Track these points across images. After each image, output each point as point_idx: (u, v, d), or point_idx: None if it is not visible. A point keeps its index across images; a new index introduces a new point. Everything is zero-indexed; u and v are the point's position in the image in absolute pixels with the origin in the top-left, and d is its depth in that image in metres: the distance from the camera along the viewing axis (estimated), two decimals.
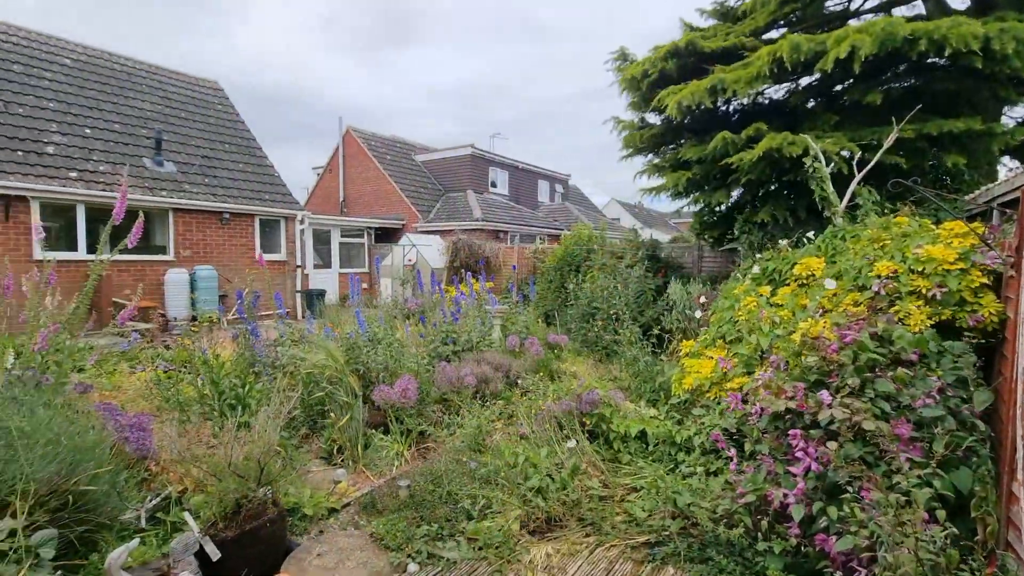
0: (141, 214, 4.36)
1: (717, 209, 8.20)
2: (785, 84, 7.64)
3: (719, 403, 3.79)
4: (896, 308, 3.14)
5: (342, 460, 4.16)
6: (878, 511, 2.03)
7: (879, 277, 3.32)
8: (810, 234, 6.48)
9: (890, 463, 2.28)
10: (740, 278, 5.04)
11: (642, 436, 3.85)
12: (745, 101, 8.29)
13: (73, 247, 9.13)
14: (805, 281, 4.14)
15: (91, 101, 10.95)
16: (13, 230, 8.36)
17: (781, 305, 4.12)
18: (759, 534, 2.48)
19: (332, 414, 4.22)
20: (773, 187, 7.41)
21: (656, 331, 7.32)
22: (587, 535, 2.95)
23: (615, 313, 6.25)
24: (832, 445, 2.34)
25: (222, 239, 11.30)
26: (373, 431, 4.51)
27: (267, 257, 12.23)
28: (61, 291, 9.27)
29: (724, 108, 8.17)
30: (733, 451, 2.88)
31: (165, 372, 5.69)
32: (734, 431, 3.31)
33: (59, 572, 2.34)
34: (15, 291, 4.58)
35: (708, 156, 6.67)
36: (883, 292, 3.25)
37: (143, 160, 10.69)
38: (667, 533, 2.78)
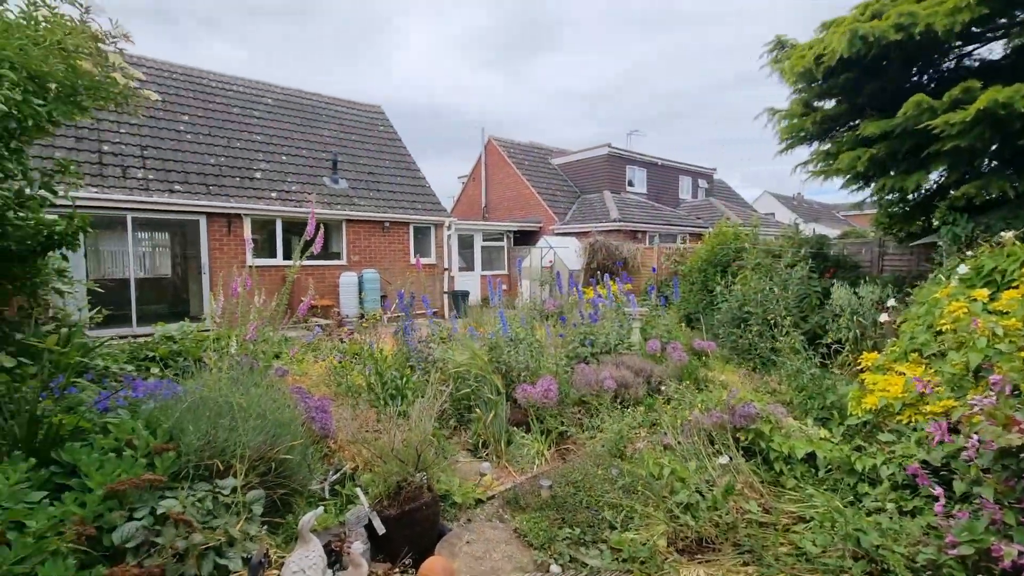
0: (322, 226, 5.05)
1: (910, 197, 6.82)
2: (1000, 36, 6.10)
3: (915, 429, 3.17)
4: None
5: (486, 454, 4.36)
6: None
7: None
8: None
9: None
10: (942, 279, 4.17)
11: (810, 459, 3.39)
12: (945, 66, 6.85)
13: (273, 254, 11.00)
14: None
15: (285, 132, 13.10)
16: (233, 242, 10.35)
17: (1005, 313, 3.31)
18: None
19: (477, 410, 4.44)
20: (991, 162, 5.97)
21: (825, 340, 6.43)
22: (744, 563, 2.68)
23: (772, 318, 5.61)
24: None
25: (383, 245, 12.68)
26: (515, 428, 4.65)
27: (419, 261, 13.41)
28: (265, 291, 11.16)
29: (916, 76, 6.84)
30: (939, 490, 2.37)
31: (339, 362, 6.56)
32: (939, 465, 2.73)
33: (265, 527, 2.81)
34: (236, 292, 5.63)
35: (897, 128, 5.55)
36: None
37: (323, 179, 12.47)
38: (847, 575, 2.39)
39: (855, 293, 5.32)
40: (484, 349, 4.52)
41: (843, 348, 5.08)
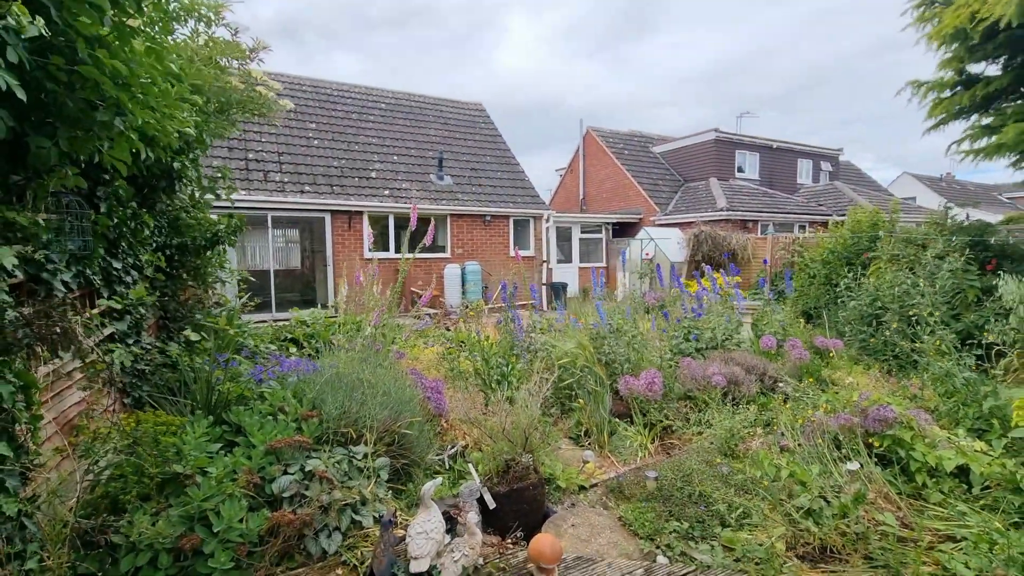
0: (433, 220, 5.39)
1: None
2: None
3: None
4: None
5: (589, 443, 4.40)
6: None
7: None
8: None
9: None
10: None
11: (962, 473, 2.99)
12: None
13: (386, 248, 11.89)
14: None
15: (397, 133, 14.03)
16: (352, 237, 11.35)
17: None
18: None
19: (580, 399, 4.49)
20: None
21: (980, 341, 5.58)
22: None
23: (914, 315, 4.97)
24: None
25: (484, 238, 13.13)
26: (617, 420, 4.64)
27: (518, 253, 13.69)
28: (380, 282, 12.00)
29: None
30: None
31: (447, 348, 6.97)
32: None
33: (389, 492, 3.11)
34: (360, 282, 6.21)
35: None
36: None
37: (429, 176, 13.20)
38: None
39: None
40: (587, 340, 4.55)
41: (1008, 351, 4.37)
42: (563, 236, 16.58)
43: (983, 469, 2.85)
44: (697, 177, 18.73)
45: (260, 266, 11.04)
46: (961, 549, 2.46)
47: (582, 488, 3.66)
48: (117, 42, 2.09)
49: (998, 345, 4.49)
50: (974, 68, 6.40)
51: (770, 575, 2.46)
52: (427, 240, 5.40)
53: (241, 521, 2.35)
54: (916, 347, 4.79)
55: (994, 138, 5.70)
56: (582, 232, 16.82)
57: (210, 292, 5.52)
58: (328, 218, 11.05)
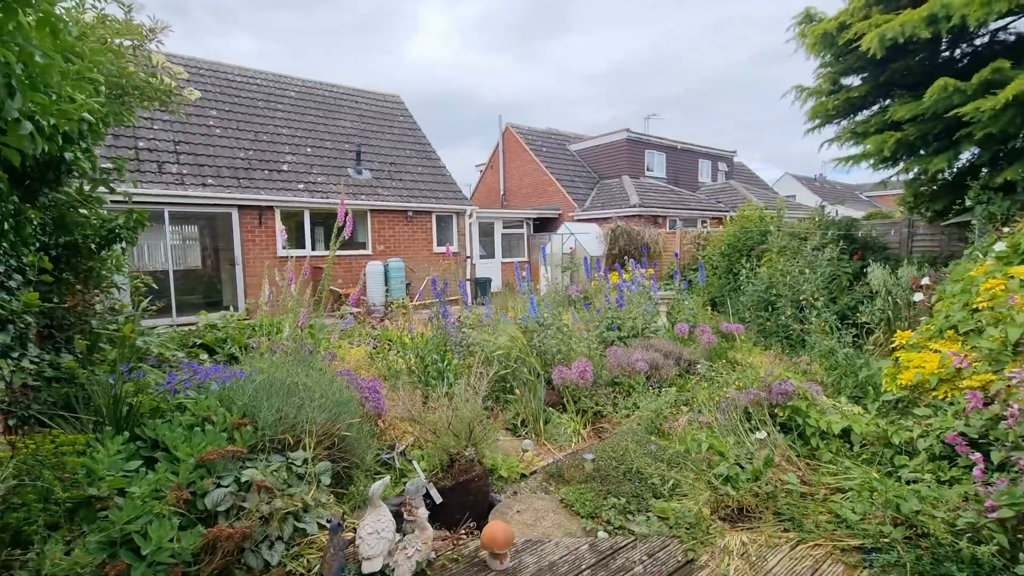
0: (350, 213, 5.14)
1: (940, 176, 6.77)
2: None
3: (951, 404, 3.25)
4: None
5: (526, 433, 4.53)
6: None
7: None
8: None
9: None
10: (979, 257, 4.19)
11: (846, 434, 3.48)
12: (978, 41, 6.71)
13: (301, 245, 11.28)
14: None
15: (309, 124, 13.32)
16: (264, 234, 10.64)
17: None
18: (1021, 555, 2.12)
19: (517, 390, 4.61)
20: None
21: (854, 320, 6.45)
22: (785, 530, 2.81)
23: (805, 300, 5.65)
24: None
25: (407, 234, 12.89)
26: (551, 409, 4.82)
27: (441, 249, 13.60)
28: (300, 281, 11.31)
29: (947, 51, 6.73)
30: (978, 455, 2.47)
31: (375, 348, 6.80)
32: (976, 436, 2.82)
33: (332, 496, 3.02)
34: (273, 282, 5.86)
35: (926, 112, 5.55)
36: None
37: (347, 170, 12.68)
38: (887, 540, 2.51)
39: (893, 273, 5.32)
40: (519, 332, 4.67)
41: (876, 329, 5.12)
42: (485, 232, 16.69)
43: (861, 429, 3.35)
44: (611, 174, 19.68)
45: (156, 267, 10.02)
46: (848, 498, 2.88)
47: (523, 476, 3.78)
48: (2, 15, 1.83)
49: (868, 324, 5.24)
50: (845, 80, 7.37)
51: (699, 537, 2.73)
52: (347, 233, 5.21)
53: (172, 541, 2.18)
54: (805, 328, 5.45)
55: (859, 148, 6.62)
56: (504, 228, 17.04)
57: (102, 296, 4.96)
58: (235, 214, 10.27)
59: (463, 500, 3.12)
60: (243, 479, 2.60)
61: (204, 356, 6.20)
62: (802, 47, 7.22)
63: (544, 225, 18.18)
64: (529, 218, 17.71)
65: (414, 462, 3.29)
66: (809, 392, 3.66)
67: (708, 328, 6.27)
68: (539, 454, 4.22)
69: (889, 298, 4.92)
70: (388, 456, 3.59)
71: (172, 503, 2.29)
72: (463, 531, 2.87)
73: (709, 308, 9.11)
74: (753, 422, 3.63)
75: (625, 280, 8.85)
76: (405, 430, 4.01)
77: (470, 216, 14.17)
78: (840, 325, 5.05)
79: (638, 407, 4.67)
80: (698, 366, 5.93)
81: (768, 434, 3.48)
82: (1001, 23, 6.56)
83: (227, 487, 2.55)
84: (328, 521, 2.56)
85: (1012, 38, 6.58)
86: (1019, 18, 6.41)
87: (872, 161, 6.37)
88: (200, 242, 11.89)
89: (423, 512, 2.67)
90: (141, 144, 9.96)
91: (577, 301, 9.52)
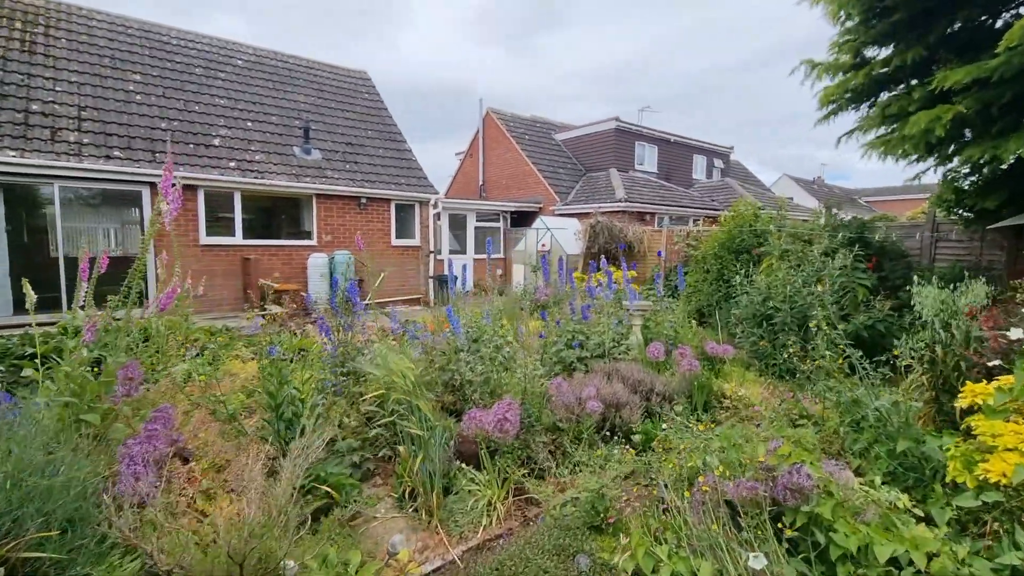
0: (177, 185, 3.62)
1: (993, 167, 5.28)
2: None
3: None
4: None
5: (415, 508, 3.13)
6: None
7: None
8: None
9: None
10: None
11: (894, 563, 2.11)
12: None
13: (231, 232, 9.78)
14: None
15: (255, 96, 11.78)
16: (183, 217, 9.13)
17: None
18: None
19: (401, 448, 3.20)
20: None
21: (867, 339, 5.11)
22: None
23: (815, 323, 4.27)
24: None
25: (359, 224, 11.41)
26: (464, 465, 3.42)
27: (401, 242, 12.15)
28: (222, 273, 9.78)
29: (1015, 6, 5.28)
30: None
31: (266, 363, 5.36)
32: None
33: None
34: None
35: (993, 74, 4.11)
36: None
37: (293, 149, 11.17)
38: None
39: (952, 289, 3.87)
40: (407, 362, 3.24)
41: (914, 366, 3.73)
42: (458, 225, 15.24)
43: (935, 568, 1.97)
44: (598, 167, 18.27)
45: (40, 254, 8.52)
46: None
47: None
48: None
49: (902, 358, 3.84)
50: (870, 52, 5.95)
51: None
52: (172, 211, 3.75)
53: None
54: (815, 363, 4.07)
55: (896, 129, 5.15)
56: (478, 221, 15.60)
57: None
58: (147, 192, 8.76)
59: None
60: None
61: (28, 372, 4.76)
62: (818, 4, 5.80)
63: (524, 219, 16.75)
64: (506, 211, 16.27)
65: None
66: (835, 484, 2.28)
67: (690, 351, 4.90)
68: (424, 549, 2.82)
69: (938, 324, 3.52)
70: None
71: None
72: None
73: (695, 321, 7.74)
74: (745, 532, 2.24)
75: (601, 284, 7.47)
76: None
77: (435, 206, 12.72)
78: (861, 359, 3.67)
79: (579, 470, 3.29)
80: (675, 404, 4.56)
81: (768, 558, 2.10)
82: None
83: None
84: None
85: None
86: None
87: (912, 146, 4.91)
88: (101, 226, 10.17)
89: None
90: (34, 107, 8.41)
91: (545, 306, 8.15)
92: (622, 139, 18.10)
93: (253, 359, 5.94)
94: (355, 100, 13.95)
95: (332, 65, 14.57)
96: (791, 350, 4.82)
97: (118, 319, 3.85)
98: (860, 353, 3.65)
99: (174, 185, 3.39)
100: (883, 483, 2.74)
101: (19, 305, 7.89)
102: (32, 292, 4.16)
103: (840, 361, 3.87)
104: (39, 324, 4.71)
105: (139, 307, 6.04)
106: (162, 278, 8.48)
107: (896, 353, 3.66)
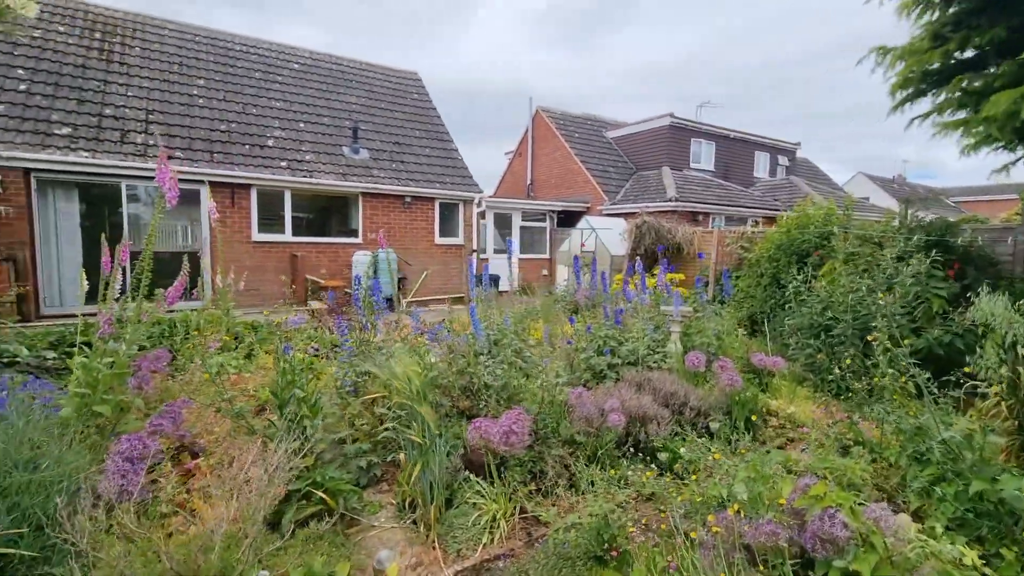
0: (174, 176, 3.64)
1: None
2: None
3: None
4: None
5: (413, 520, 2.99)
6: None
7: None
8: None
9: None
10: None
11: None
12: None
13: (281, 230, 10.14)
14: None
15: (308, 99, 12.19)
16: (237, 215, 9.56)
17: None
18: None
19: (402, 455, 3.07)
20: None
21: (943, 356, 4.47)
22: None
23: (878, 340, 3.76)
24: None
25: (404, 222, 11.54)
26: (472, 476, 3.25)
27: (445, 241, 12.18)
28: (271, 269, 10.10)
29: None
30: None
31: (315, 355, 5.43)
32: None
33: None
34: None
35: None
36: None
37: (342, 148, 11.46)
38: None
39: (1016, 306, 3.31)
40: (415, 366, 3.10)
41: (988, 392, 3.18)
42: (503, 224, 15.15)
43: None
44: (650, 165, 17.60)
45: (112, 249, 9.10)
46: None
47: None
48: None
49: (975, 380, 3.29)
50: (953, 32, 5.24)
51: None
52: (170, 203, 3.83)
53: None
54: (873, 380, 3.57)
55: (978, 109, 4.50)
56: (524, 220, 15.44)
57: None
58: (204, 191, 9.22)
59: None
60: None
61: (51, 356, 5.07)
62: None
63: (571, 219, 16.40)
64: (553, 210, 15.99)
65: None
66: (879, 535, 1.91)
67: (730, 363, 4.49)
68: (415, 567, 2.67)
69: (1003, 349, 2.95)
70: None
71: None
72: None
73: (745, 329, 7.19)
74: None
75: (644, 287, 7.10)
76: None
77: (479, 205, 12.67)
78: (921, 368, 3.16)
79: (595, 489, 3.04)
80: (710, 421, 4.18)
81: None
82: None
83: None
84: None
85: None
86: None
87: (997, 129, 4.23)
88: (167, 223, 10.78)
89: None
90: (107, 111, 9.07)
91: (585, 309, 7.85)
92: (677, 136, 17.34)
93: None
94: (404, 100, 14.16)
95: (383, 66, 14.87)
96: (846, 363, 4.29)
97: (149, 311, 3.98)
98: (927, 375, 3.15)
99: (171, 178, 3.46)
100: (947, 529, 2.32)
101: (91, 296, 8.52)
102: (86, 282, 4.42)
103: (903, 380, 3.37)
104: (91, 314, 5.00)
105: (187, 299, 6.28)
106: (218, 272, 8.88)
107: (968, 371, 3.14)
